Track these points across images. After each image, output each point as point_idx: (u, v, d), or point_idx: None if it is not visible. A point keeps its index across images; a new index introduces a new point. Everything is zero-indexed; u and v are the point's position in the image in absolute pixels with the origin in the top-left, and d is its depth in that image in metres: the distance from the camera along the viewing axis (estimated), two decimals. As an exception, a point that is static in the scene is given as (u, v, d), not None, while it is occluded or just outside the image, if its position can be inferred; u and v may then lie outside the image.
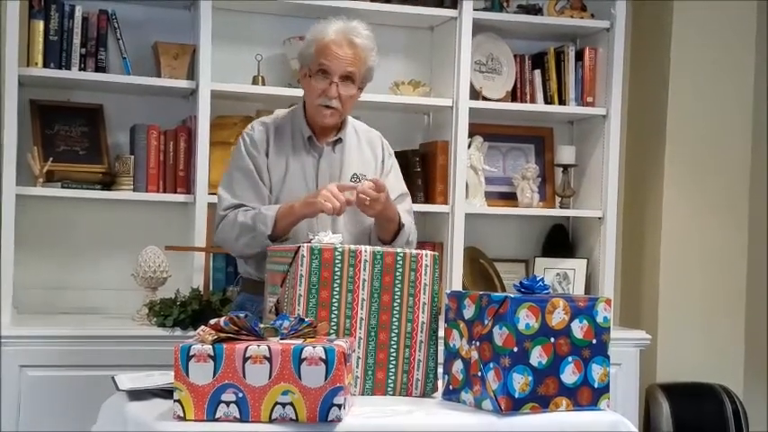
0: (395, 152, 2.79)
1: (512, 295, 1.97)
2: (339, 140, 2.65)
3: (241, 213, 2.52)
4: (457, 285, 3.53)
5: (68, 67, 3.27)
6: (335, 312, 2.09)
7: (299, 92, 3.40)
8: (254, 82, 3.50)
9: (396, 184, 2.68)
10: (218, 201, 2.62)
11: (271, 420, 1.83)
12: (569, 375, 2.01)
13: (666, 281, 3.90)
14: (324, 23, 2.61)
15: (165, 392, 2.03)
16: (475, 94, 3.64)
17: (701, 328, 3.92)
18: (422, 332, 2.15)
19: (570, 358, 2.01)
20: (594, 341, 2.04)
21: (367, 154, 2.68)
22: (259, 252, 2.49)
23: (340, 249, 2.10)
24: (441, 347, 2.15)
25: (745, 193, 4.00)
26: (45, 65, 3.24)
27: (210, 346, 1.84)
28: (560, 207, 3.84)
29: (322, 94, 2.56)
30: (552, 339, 1.99)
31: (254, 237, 2.48)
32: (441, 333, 2.15)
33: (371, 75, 2.65)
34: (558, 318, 1.99)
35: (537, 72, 3.75)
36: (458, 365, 2.07)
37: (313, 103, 2.60)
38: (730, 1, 3.92)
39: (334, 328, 2.09)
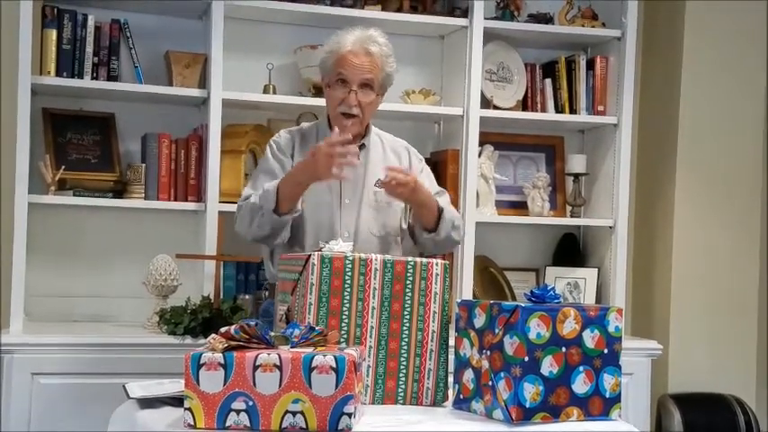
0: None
1: (522, 304, 1.96)
2: (362, 146, 2.69)
3: (252, 197, 2.60)
4: (467, 294, 3.53)
5: (81, 76, 3.29)
6: (346, 321, 2.09)
7: (310, 101, 3.45)
8: (266, 91, 3.51)
9: (430, 184, 2.72)
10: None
11: (281, 429, 1.83)
12: (580, 385, 2.00)
13: (678, 290, 3.88)
14: (341, 34, 2.66)
15: (176, 400, 2.03)
16: (485, 102, 3.64)
17: (713, 339, 3.90)
18: (432, 341, 2.15)
19: (581, 368, 2.00)
20: (606, 351, 2.03)
21: (391, 160, 2.72)
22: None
23: (350, 258, 2.10)
24: (451, 356, 2.14)
25: (758, 202, 3.98)
26: (57, 74, 3.26)
27: (221, 355, 1.84)
28: (571, 216, 3.83)
29: (342, 102, 2.62)
30: (563, 349, 1.98)
31: (263, 214, 2.55)
32: (451, 342, 2.15)
33: (391, 80, 2.70)
34: (569, 327, 1.99)
35: (548, 81, 3.75)
36: (468, 375, 2.06)
37: (334, 112, 2.65)
38: (742, 10, 3.91)
39: (345, 336, 2.08)
